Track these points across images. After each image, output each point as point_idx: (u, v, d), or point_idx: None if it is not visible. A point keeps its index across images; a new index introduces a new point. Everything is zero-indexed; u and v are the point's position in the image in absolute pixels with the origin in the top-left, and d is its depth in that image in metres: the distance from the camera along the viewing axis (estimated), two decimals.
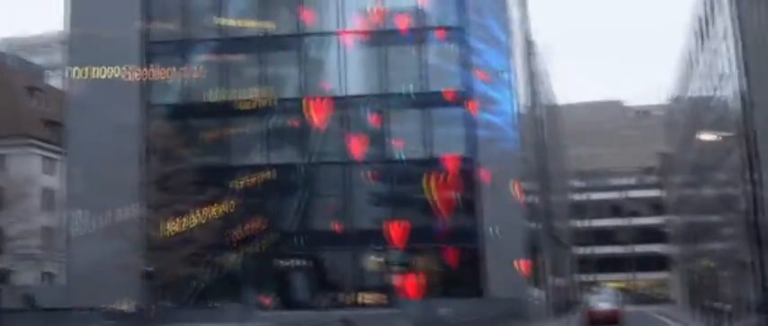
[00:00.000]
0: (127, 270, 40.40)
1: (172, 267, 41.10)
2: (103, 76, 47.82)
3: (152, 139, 44.50)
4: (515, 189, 45.34)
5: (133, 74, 48.07)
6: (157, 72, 49.08)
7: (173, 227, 41.82)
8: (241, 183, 47.38)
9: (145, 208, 42.49)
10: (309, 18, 49.64)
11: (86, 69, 48.13)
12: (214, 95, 48.99)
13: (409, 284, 47.25)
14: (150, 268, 40.82)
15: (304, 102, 48.31)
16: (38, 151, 68.67)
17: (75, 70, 48.85)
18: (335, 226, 47.53)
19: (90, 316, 40.99)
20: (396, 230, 46.48)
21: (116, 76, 47.73)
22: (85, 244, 44.93)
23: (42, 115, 70.99)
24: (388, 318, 39.84)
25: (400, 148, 47.84)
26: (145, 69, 48.71)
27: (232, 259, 47.04)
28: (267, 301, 46.40)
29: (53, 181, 65.84)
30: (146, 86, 48.75)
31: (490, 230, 45.11)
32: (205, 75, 49.32)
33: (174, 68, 49.44)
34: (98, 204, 44.90)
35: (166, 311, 42.58)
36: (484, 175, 45.79)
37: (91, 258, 43.52)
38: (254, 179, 47.48)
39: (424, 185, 47.39)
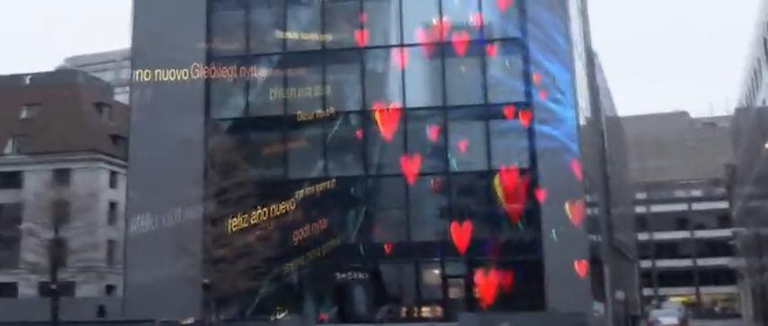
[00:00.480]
0: (186, 283, 40.79)
1: (230, 280, 41.41)
2: (166, 79, 48.47)
3: (212, 152, 44.84)
4: (573, 205, 44.72)
5: (197, 72, 48.63)
6: (219, 78, 49.66)
7: (231, 240, 41.95)
8: (301, 195, 47.42)
9: (204, 221, 42.91)
10: (370, 31, 49.56)
11: (150, 72, 48.75)
12: (275, 109, 49.16)
13: (468, 297, 46.93)
14: (208, 281, 41.15)
15: (364, 114, 48.32)
16: (104, 166, 69.80)
17: (138, 73, 49.50)
18: (394, 238, 47.23)
19: None
20: (458, 240, 46.07)
21: (177, 79, 48.27)
22: (145, 256, 45.56)
23: (109, 130, 72.26)
24: None
25: (460, 160, 47.44)
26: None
27: (291, 272, 47.10)
28: (325, 314, 46.37)
29: (119, 195, 66.91)
30: (207, 101, 49.18)
31: (551, 238, 44.56)
32: (266, 88, 49.69)
33: (235, 81, 49.96)
34: (158, 217, 45.49)
35: (225, 323, 42.88)
36: (544, 187, 45.31)
37: (150, 270, 44.13)
38: (313, 192, 47.47)
39: (484, 198, 47.17)
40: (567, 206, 44.62)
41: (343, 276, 47.58)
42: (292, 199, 47.28)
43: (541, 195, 45.38)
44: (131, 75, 50.62)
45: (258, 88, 49.98)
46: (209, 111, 49.08)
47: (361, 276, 47.68)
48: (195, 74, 48.79)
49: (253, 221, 43.32)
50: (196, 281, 41.51)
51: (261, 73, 49.86)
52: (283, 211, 46.83)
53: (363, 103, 48.69)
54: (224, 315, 44.54)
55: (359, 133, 48.44)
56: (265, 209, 44.74)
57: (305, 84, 49.41)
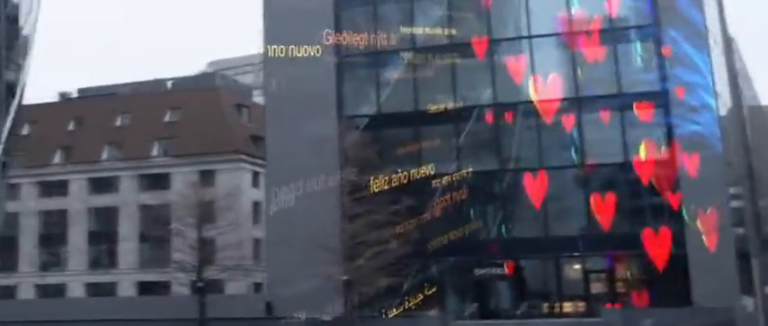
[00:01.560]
0: (326, 279, 41.38)
1: (369, 277, 41.80)
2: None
3: (347, 150, 45.35)
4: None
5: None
6: (350, 76, 50.45)
7: (369, 236, 42.30)
8: (437, 191, 47.36)
9: (342, 218, 43.38)
10: (498, 23, 49.22)
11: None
12: (405, 105, 49.19)
13: (611, 291, 45.99)
14: (348, 278, 41.63)
15: (496, 108, 47.91)
16: (246, 166, 71.38)
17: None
18: (533, 233, 46.81)
19: (289, 323, 42.37)
20: (601, 218, 45.32)
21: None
22: (285, 254, 46.20)
23: (249, 131, 73.87)
24: None
25: (596, 152, 46.54)
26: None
27: (430, 268, 47.12)
28: (466, 311, 46.23)
29: (261, 194, 68.43)
30: (339, 99, 49.70)
31: (694, 230, 43.22)
32: (396, 84, 50.00)
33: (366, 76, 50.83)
34: (296, 215, 46.20)
35: (364, 320, 43.25)
36: (684, 178, 43.98)
37: (291, 267, 44.83)
38: (449, 187, 47.30)
39: (622, 191, 46.08)
40: (710, 197, 43.18)
41: (483, 271, 47.32)
42: (428, 195, 47.19)
43: (682, 187, 44.04)
44: (265, 70, 51.73)
45: (388, 85, 50.36)
46: (342, 109, 49.56)
47: (500, 271, 47.31)
48: (327, 72, 49.37)
49: (389, 218, 43.24)
50: (336, 278, 42.05)
51: (390, 69, 50.25)
52: (420, 206, 46.70)
53: (495, 96, 48.31)
54: (365, 312, 44.97)
55: (492, 127, 48.10)
56: (401, 205, 44.65)
57: (434, 79, 49.36)
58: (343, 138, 46.58)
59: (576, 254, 46.47)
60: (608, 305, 43.65)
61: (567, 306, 46.27)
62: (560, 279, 47.16)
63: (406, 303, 46.64)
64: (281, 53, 49.47)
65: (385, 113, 49.60)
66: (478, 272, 47.36)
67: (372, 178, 43.49)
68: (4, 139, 25.48)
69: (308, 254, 41.36)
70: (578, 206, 46.77)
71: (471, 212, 47.73)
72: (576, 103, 47.05)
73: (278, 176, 49.26)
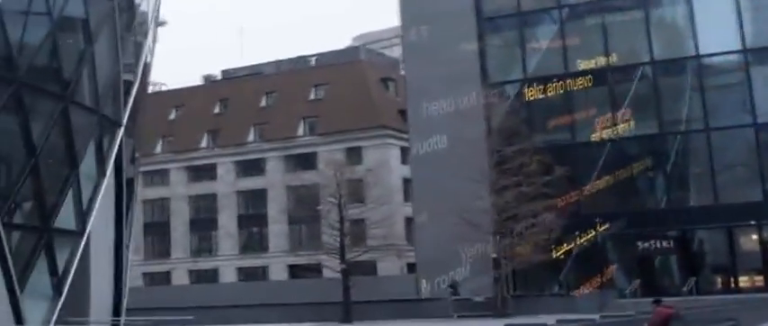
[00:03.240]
0: (476, 258, 39.86)
1: (521, 253, 39.57)
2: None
3: (493, 118, 43.12)
4: None
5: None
6: (494, 45, 47.82)
7: (520, 210, 39.87)
8: (595, 159, 44.45)
9: (490, 192, 40.77)
10: None
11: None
12: (554, 68, 46.11)
13: None
14: (498, 255, 39.37)
15: (655, 66, 44.44)
16: (393, 141, 69.56)
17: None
18: (702, 201, 43.42)
19: (439, 305, 40.60)
20: None
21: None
22: (434, 232, 44.08)
23: (396, 105, 71.98)
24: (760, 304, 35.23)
25: None
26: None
27: (588, 243, 43.94)
28: (629, 287, 43.21)
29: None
30: (484, 67, 46.86)
31: None
32: (543, 47, 46.89)
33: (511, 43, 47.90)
34: (444, 190, 43.66)
35: (517, 299, 40.86)
36: None
37: (440, 246, 42.99)
38: (608, 154, 44.35)
39: None
40: None
41: (646, 245, 44.28)
42: (583, 164, 44.42)
43: None
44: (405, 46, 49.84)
45: (535, 48, 47.37)
46: (486, 77, 46.68)
47: (665, 244, 44.31)
48: (469, 37, 46.52)
49: (541, 190, 40.35)
50: (485, 256, 40.17)
51: (537, 31, 47.38)
52: (574, 177, 43.66)
53: (652, 53, 44.69)
54: (518, 291, 42.85)
55: (654, 87, 44.79)
56: (553, 175, 41.63)
57: (587, 38, 46.18)
58: (489, 106, 44.07)
59: (751, 223, 42.40)
60: None
61: (743, 280, 42.94)
62: (734, 251, 43.52)
63: (564, 280, 44.35)
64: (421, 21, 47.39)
65: (533, 77, 46.55)
66: (642, 245, 44.31)
67: (521, 147, 40.60)
68: (125, 121, 23.93)
69: (457, 231, 39.12)
70: (753, 170, 42.93)
71: (634, 180, 44.65)
72: (748, 55, 42.94)
73: (423, 150, 47.19)
